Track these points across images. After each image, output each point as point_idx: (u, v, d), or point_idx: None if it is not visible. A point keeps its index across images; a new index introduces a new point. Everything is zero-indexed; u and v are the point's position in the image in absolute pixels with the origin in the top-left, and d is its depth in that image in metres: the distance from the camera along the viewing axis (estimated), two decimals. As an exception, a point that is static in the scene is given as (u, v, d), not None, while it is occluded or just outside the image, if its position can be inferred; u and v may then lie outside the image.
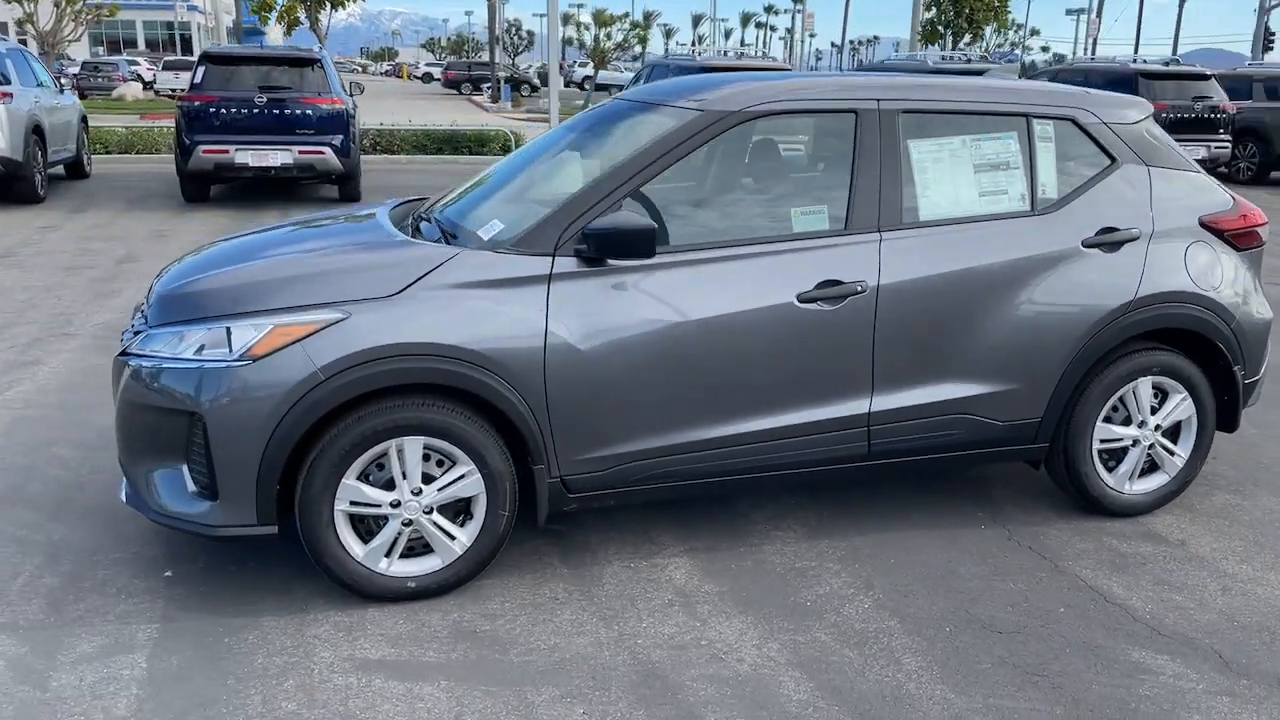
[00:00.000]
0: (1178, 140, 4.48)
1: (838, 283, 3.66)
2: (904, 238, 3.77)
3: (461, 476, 3.43)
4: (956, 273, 3.80)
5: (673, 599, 3.56)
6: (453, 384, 3.35)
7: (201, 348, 3.31)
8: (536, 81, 54.56)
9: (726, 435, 3.67)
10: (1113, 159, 4.09)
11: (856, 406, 3.78)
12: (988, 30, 48.58)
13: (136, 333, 3.55)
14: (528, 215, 3.66)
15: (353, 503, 3.37)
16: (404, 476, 3.39)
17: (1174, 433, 4.22)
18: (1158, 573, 3.79)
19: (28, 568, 3.65)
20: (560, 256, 3.47)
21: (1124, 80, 15.02)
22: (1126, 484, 4.19)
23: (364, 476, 3.37)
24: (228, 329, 3.30)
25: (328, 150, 12.28)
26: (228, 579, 3.61)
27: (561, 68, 72.04)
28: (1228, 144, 15.88)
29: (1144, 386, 4.09)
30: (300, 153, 12.17)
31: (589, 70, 60.30)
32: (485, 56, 53.77)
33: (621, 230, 3.36)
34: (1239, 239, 4.22)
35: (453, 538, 3.49)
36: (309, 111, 12.33)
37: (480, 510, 3.49)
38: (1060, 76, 17.07)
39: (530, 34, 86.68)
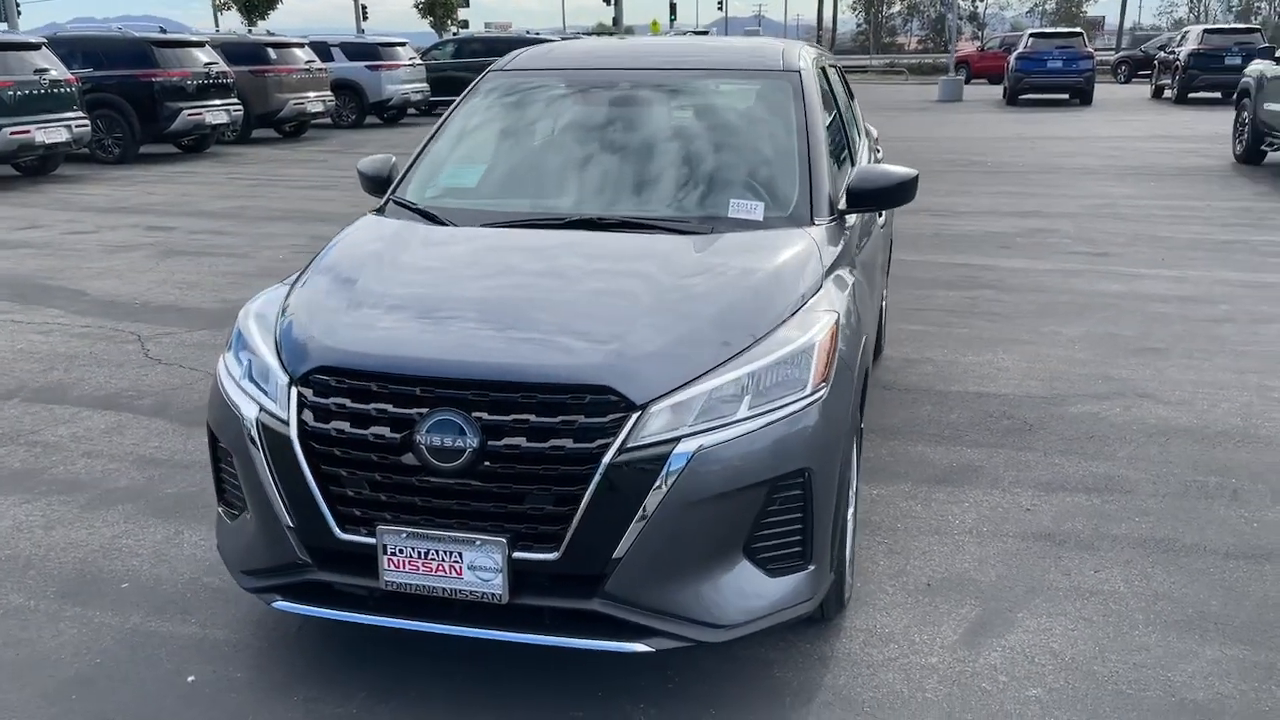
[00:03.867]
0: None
1: None
2: None
3: None
4: None
5: (967, 540, 3.64)
6: None
7: (746, 400, 2.51)
8: None
9: None
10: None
11: None
12: None
13: (585, 418, 2.40)
14: (780, 188, 3.45)
15: None
16: None
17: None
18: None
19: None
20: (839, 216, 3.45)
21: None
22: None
23: None
24: (779, 366, 2.58)
25: None
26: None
27: None
28: (86, 121, 13.91)
29: None
30: None
31: None
32: None
33: (898, 182, 3.41)
34: None
35: None
36: None
37: None
38: None
39: None
